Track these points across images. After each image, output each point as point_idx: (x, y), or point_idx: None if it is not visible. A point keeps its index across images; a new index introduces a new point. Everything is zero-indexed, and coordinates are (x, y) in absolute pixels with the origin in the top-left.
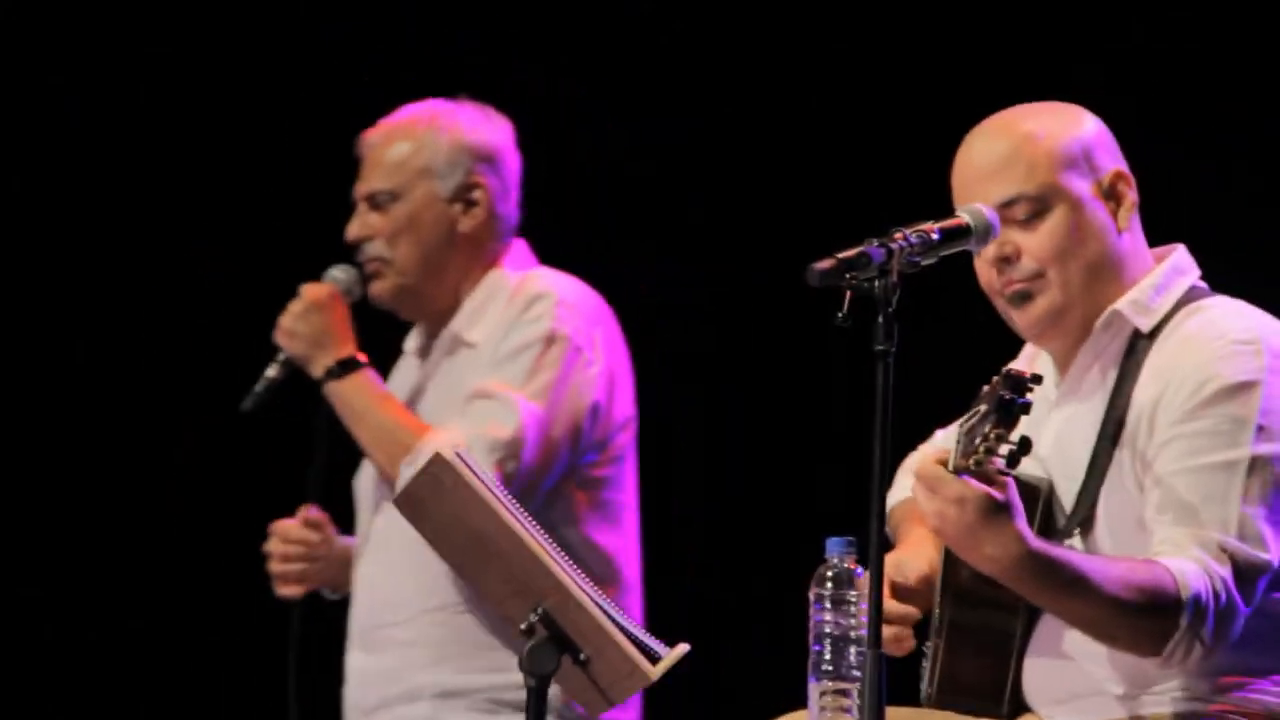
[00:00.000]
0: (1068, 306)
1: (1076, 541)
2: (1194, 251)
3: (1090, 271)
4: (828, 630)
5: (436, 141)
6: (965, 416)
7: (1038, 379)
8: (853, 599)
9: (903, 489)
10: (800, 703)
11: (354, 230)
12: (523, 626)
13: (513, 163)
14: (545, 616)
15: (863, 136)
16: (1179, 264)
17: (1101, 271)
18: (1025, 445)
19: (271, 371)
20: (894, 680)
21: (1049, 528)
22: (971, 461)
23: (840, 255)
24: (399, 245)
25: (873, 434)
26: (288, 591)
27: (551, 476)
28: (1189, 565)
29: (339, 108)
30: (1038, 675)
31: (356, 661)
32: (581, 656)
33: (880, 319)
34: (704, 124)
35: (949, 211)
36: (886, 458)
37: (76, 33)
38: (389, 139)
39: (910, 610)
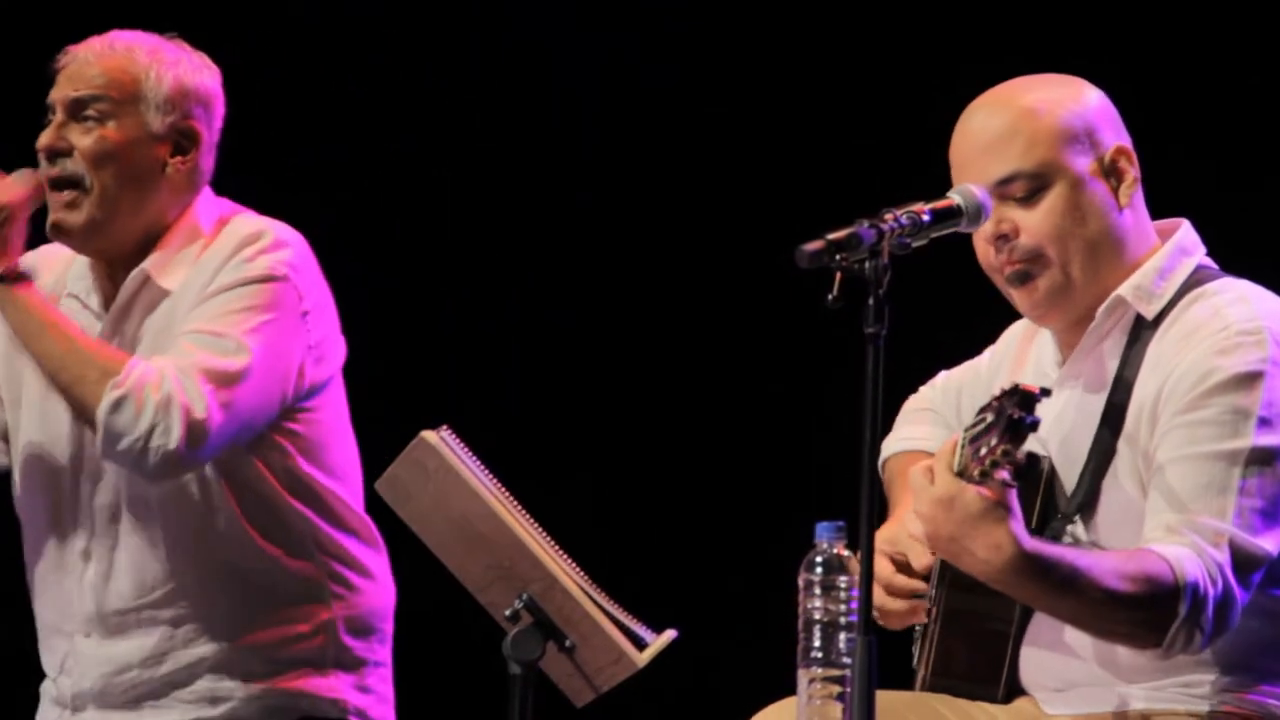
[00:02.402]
0: (1068, 286)
1: (1078, 526)
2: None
3: (1090, 250)
4: (817, 617)
5: (161, 75)
6: (972, 421)
7: (1047, 392)
8: (843, 585)
9: (898, 439)
10: (789, 690)
11: (50, 138)
12: (507, 613)
13: (221, 113)
14: (530, 602)
15: (856, 118)
16: (1184, 244)
17: (1101, 250)
18: (1033, 461)
19: None
20: (884, 666)
21: (1049, 508)
22: (977, 473)
23: (830, 236)
24: (102, 173)
25: (863, 417)
26: None
27: (266, 422)
28: (1185, 552)
29: (340, 109)
30: (1035, 663)
31: (90, 649)
32: (567, 643)
33: (870, 301)
34: (699, 105)
35: (943, 191)
36: (877, 441)
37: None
38: (110, 54)
39: (917, 584)
